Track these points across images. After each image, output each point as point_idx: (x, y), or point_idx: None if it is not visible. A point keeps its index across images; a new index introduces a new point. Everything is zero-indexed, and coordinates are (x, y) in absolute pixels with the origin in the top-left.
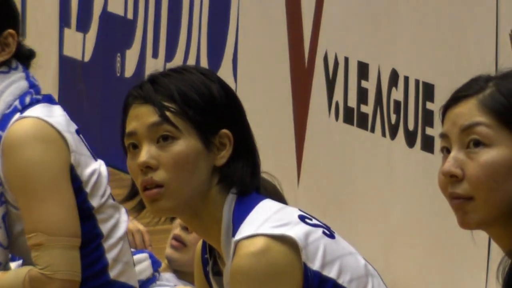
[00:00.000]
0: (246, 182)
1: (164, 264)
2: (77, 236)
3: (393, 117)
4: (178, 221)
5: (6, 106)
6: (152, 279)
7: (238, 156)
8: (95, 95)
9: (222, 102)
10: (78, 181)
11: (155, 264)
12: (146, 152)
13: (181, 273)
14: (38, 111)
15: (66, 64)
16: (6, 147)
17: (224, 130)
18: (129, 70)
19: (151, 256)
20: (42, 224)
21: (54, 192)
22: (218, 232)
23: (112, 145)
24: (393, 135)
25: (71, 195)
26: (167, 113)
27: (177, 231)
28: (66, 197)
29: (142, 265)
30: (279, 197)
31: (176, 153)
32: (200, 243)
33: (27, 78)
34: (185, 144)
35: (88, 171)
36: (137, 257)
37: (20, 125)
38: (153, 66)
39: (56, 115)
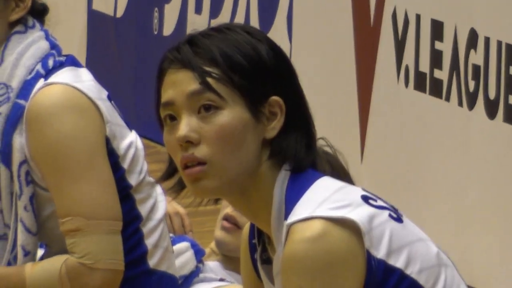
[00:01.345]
0: (301, 157)
1: (209, 249)
2: (119, 219)
3: (472, 84)
4: None
5: (27, 71)
6: (195, 272)
7: (291, 127)
8: (129, 56)
9: (272, 65)
10: (115, 155)
11: (199, 254)
12: (186, 125)
13: (230, 260)
14: (65, 76)
15: (95, 21)
16: (32, 119)
17: (275, 97)
18: (168, 27)
19: (193, 245)
20: (79, 207)
21: (90, 170)
22: (268, 214)
23: (147, 113)
24: (471, 105)
25: (109, 172)
26: (209, 80)
27: (228, 210)
28: (105, 175)
29: (184, 257)
30: (344, 174)
31: (220, 125)
32: (247, 226)
33: (47, 37)
34: (230, 114)
35: (125, 143)
36: (177, 247)
37: (47, 93)
38: (196, 23)
39: (85, 80)
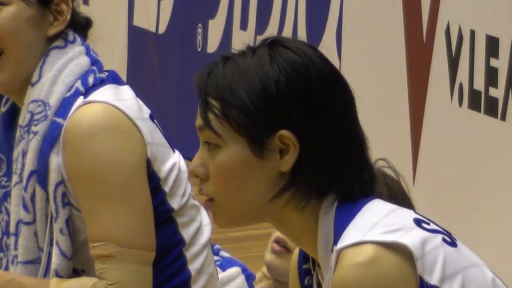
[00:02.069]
0: (327, 185)
1: (260, 273)
2: (152, 250)
3: None
4: None
5: (66, 89)
6: None
7: (312, 158)
8: (171, 74)
9: (282, 98)
10: (156, 178)
11: (250, 279)
12: (197, 158)
13: (281, 285)
14: (105, 94)
15: (136, 37)
16: (69, 139)
17: (283, 132)
18: (212, 44)
19: (243, 270)
20: (112, 232)
21: (127, 195)
22: (313, 240)
23: (190, 134)
24: None
25: (147, 199)
26: (210, 115)
27: (279, 233)
28: (142, 201)
29: (235, 283)
30: (403, 197)
31: (218, 164)
32: (296, 251)
33: (88, 52)
34: (227, 153)
35: (167, 165)
36: (227, 273)
37: (86, 112)
38: (241, 39)
39: (126, 98)
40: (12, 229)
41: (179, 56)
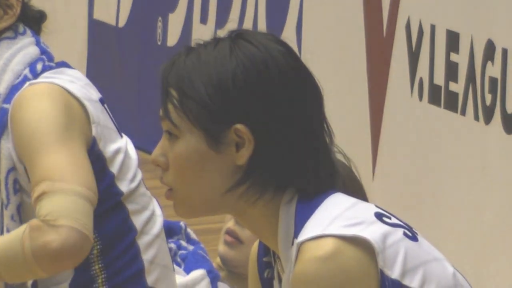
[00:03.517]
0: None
1: (215, 264)
2: (90, 189)
3: (488, 97)
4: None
5: (15, 76)
6: None
7: (268, 150)
8: (132, 67)
9: (238, 91)
10: (101, 158)
11: (214, 280)
12: (158, 147)
13: (236, 276)
14: (52, 77)
15: (96, 30)
16: (13, 111)
17: (238, 126)
18: (172, 37)
19: (209, 272)
20: (47, 173)
21: (64, 145)
22: (273, 233)
23: (150, 125)
24: (488, 119)
25: (84, 154)
26: (170, 106)
27: (230, 224)
28: (78, 151)
29: (200, 286)
30: (355, 184)
31: (176, 154)
32: (256, 244)
33: (38, 43)
34: (184, 144)
35: (112, 147)
36: (192, 276)
37: (30, 88)
38: (201, 33)
39: (74, 80)
40: None
41: (139, 50)
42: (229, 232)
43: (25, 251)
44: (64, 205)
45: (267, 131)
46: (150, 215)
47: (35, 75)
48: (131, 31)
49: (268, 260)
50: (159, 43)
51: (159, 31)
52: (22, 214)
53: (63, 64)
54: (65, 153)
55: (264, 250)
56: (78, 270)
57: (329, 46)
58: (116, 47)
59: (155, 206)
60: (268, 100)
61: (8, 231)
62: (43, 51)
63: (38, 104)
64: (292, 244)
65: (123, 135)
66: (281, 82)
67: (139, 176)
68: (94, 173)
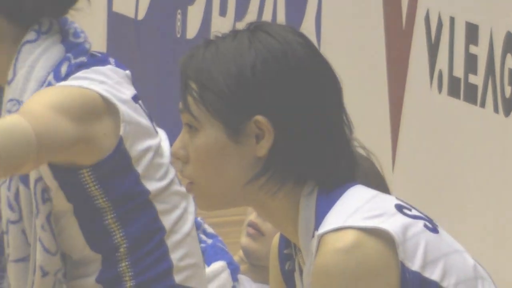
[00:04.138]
0: (302, 172)
1: (237, 257)
2: (38, 141)
3: (508, 90)
4: None
5: (38, 85)
6: None
7: (286, 142)
8: (151, 60)
9: (257, 82)
10: (126, 157)
11: (235, 272)
12: (179, 140)
13: (258, 269)
14: (80, 80)
15: (115, 23)
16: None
17: (258, 117)
18: (192, 30)
19: (229, 264)
20: (26, 112)
21: (55, 111)
22: (293, 225)
23: (169, 117)
24: (507, 111)
25: (71, 137)
26: (189, 99)
27: (252, 217)
28: (66, 129)
29: (220, 278)
30: (377, 178)
31: (196, 147)
32: (277, 236)
33: (64, 39)
34: (204, 137)
35: (141, 146)
36: (212, 268)
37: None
38: (220, 25)
39: (104, 80)
40: (4, 227)
41: (158, 42)
42: (251, 225)
43: None
44: (7, 123)
45: (286, 122)
46: (181, 214)
47: (59, 79)
48: (150, 24)
49: (289, 252)
50: (178, 35)
51: (178, 23)
52: (53, 224)
53: (98, 58)
54: (49, 113)
55: (285, 243)
56: (105, 265)
57: (348, 38)
58: (135, 40)
59: (188, 204)
60: (287, 92)
61: (40, 240)
62: (70, 48)
63: (53, 88)
64: (313, 236)
65: (159, 131)
66: (300, 73)
67: (171, 174)
68: (117, 171)
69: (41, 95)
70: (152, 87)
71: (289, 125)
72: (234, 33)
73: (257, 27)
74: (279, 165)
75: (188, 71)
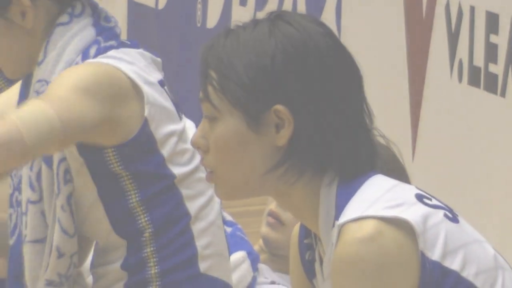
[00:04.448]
0: (325, 161)
1: (257, 246)
2: (63, 125)
3: None
4: None
5: (67, 66)
6: (252, 284)
7: (306, 134)
8: (171, 49)
9: (277, 72)
10: (152, 139)
11: (255, 262)
12: (199, 129)
13: (278, 259)
14: (108, 58)
15: (136, 12)
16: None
17: (278, 106)
18: (212, 19)
19: (249, 254)
20: (50, 97)
21: (79, 95)
22: (314, 215)
23: (189, 107)
24: None
25: (96, 118)
26: (209, 88)
27: (272, 206)
28: (90, 111)
29: (241, 269)
30: (397, 167)
31: (216, 136)
32: (297, 226)
33: (95, 23)
34: (224, 126)
35: (166, 130)
36: (233, 258)
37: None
38: (241, 15)
39: (132, 61)
40: (23, 207)
41: (178, 32)
42: (271, 214)
43: None
44: (26, 110)
45: (306, 111)
46: (206, 201)
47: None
48: (171, 13)
49: (309, 242)
50: (198, 25)
51: (199, 13)
52: (73, 205)
53: (132, 45)
54: (74, 96)
55: (305, 232)
56: (130, 252)
57: (369, 28)
58: (156, 29)
59: (214, 193)
60: (307, 81)
61: (59, 221)
62: (101, 31)
63: (79, 67)
64: (333, 225)
65: (187, 121)
66: (320, 63)
67: (196, 160)
68: (142, 152)
69: (67, 76)
70: (172, 77)
71: (309, 115)
72: (255, 22)
73: (277, 17)
74: (298, 155)
75: (208, 60)
